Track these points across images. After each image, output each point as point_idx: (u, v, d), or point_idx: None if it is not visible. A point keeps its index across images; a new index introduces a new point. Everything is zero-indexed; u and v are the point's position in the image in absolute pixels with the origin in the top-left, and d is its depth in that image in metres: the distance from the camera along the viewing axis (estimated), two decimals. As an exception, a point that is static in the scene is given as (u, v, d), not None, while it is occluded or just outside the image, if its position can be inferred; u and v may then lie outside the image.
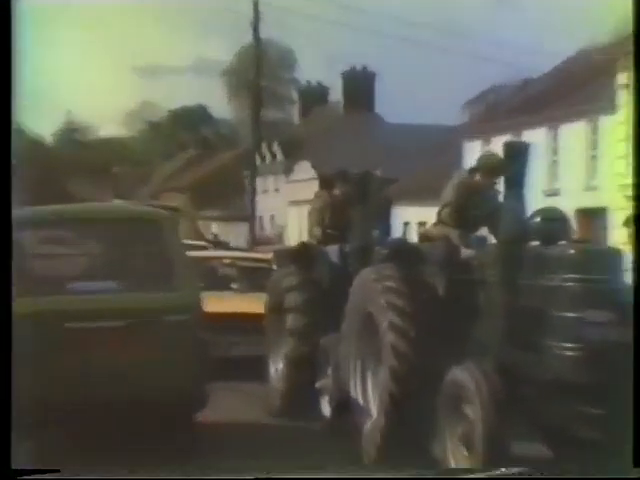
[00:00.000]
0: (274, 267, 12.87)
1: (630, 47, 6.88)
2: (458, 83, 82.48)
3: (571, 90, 28.94)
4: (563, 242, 7.71)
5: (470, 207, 8.94)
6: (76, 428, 8.74)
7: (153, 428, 8.70)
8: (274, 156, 52.33)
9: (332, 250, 10.72)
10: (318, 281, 10.58)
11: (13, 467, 5.08)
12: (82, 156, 72.26)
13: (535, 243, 7.75)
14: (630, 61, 7.42)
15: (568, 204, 19.88)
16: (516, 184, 7.65)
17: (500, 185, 8.40)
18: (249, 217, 40.50)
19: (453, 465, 7.33)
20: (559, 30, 73.38)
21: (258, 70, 39.43)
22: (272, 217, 50.87)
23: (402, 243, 10.38)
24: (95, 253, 9.11)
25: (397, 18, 77.22)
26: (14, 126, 5.89)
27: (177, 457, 8.18)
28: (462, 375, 7.39)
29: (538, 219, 7.76)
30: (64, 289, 8.47)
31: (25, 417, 6.50)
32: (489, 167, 8.80)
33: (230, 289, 14.61)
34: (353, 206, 10.44)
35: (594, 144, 27.95)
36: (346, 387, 8.99)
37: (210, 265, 15.35)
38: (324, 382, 9.95)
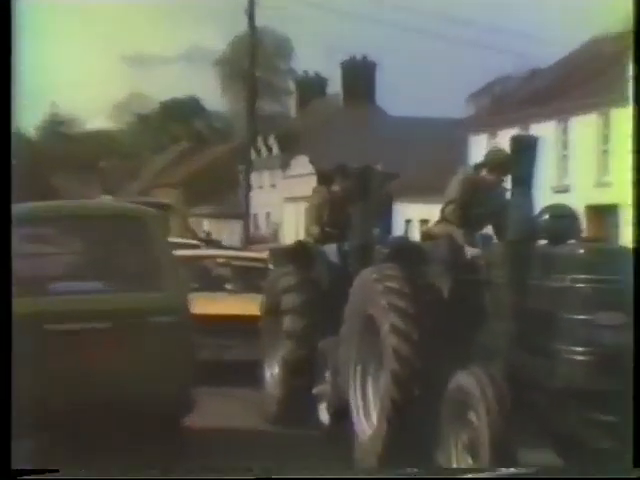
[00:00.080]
0: (270, 267, 12.75)
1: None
2: (463, 74, 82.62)
3: (582, 81, 28.65)
4: (573, 241, 7.65)
5: (475, 204, 8.87)
6: (58, 432, 8.64)
7: (138, 432, 8.63)
8: (270, 150, 52.16)
9: (331, 249, 10.64)
10: (316, 282, 10.49)
11: (13, 467, 5.13)
12: (68, 150, 71.84)
13: (543, 242, 7.67)
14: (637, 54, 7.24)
15: (578, 201, 19.69)
16: (524, 180, 7.59)
17: (507, 182, 8.38)
18: (243, 214, 40.17)
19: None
20: (569, 18, 73.16)
21: (253, 60, 39.04)
22: (268, 214, 50.76)
23: (404, 242, 10.36)
24: (76, 252, 9.28)
25: (399, 5, 76.40)
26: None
27: (163, 462, 8.01)
28: (467, 380, 7.29)
29: (546, 217, 7.69)
30: (44, 289, 8.43)
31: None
32: (496, 163, 8.76)
33: (224, 290, 14.48)
34: (353, 203, 10.33)
35: (605, 138, 27.61)
36: (345, 393, 8.91)
37: (203, 265, 15.25)
38: (322, 387, 9.84)
